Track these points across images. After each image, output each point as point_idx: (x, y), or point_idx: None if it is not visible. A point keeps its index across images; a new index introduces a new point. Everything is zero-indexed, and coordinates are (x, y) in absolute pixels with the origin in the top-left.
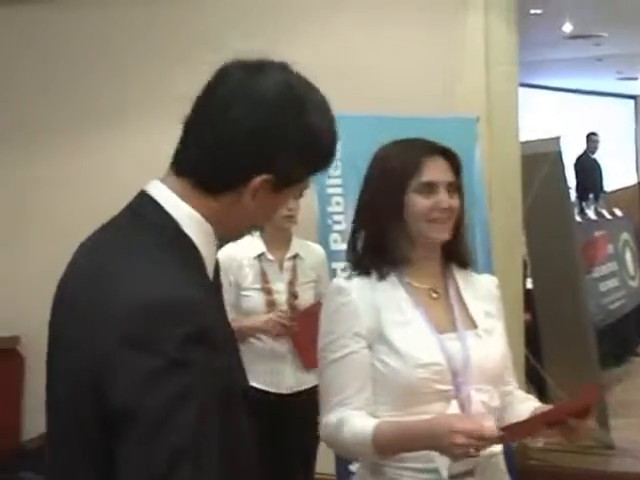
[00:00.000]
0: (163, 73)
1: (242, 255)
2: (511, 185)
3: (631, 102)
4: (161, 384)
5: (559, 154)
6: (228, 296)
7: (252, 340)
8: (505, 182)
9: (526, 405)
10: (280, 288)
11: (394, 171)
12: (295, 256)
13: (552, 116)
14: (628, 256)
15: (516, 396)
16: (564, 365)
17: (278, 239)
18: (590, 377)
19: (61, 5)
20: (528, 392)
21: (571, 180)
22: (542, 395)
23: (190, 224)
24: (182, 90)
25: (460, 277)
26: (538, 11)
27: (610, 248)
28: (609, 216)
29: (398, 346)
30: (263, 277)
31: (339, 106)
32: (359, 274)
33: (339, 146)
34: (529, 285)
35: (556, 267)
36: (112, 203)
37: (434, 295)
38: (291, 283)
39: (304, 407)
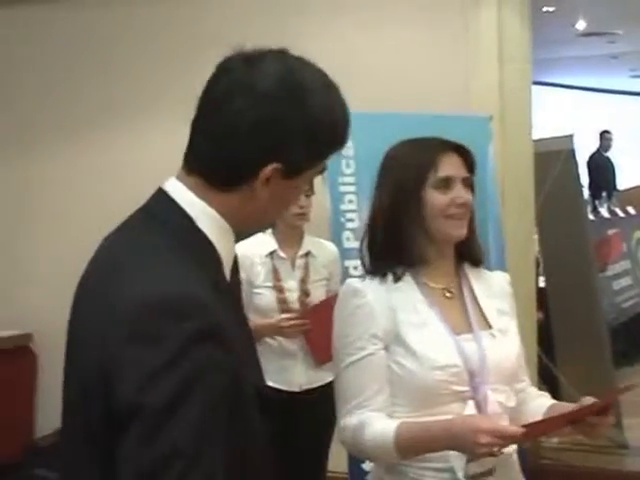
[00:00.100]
0: (173, 73)
1: (254, 253)
2: (524, 183)
3: None
4: (164, 380)
5: (572, 152)
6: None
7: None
8: (518, 180)
9: (539, 402)
10: (292, 286)
11: (411, 168)
12: (307, 254)
13: (565, 114)
14: None
15: (529, 393)
16: (577, 364)
17: (290, 237)
18: (603, 376)
19: (69, 5)
20: (540, 390)
21: (584, 178)
22: (555, 394)
23: (206, 221)
24: (192, 90)
25: (473, 276)
26: (551, 8)
27: (623, 246)
28: (622, 214)
29: (415, 348)
30: (275, 275)
31: (352, 105)
32: (373, 275)
33: (352, 144)
34: (541, 283)
35: (569, 265)
36: (121, 202)
37: (448, 295)
38: (303, 281)
39: (316, 405)
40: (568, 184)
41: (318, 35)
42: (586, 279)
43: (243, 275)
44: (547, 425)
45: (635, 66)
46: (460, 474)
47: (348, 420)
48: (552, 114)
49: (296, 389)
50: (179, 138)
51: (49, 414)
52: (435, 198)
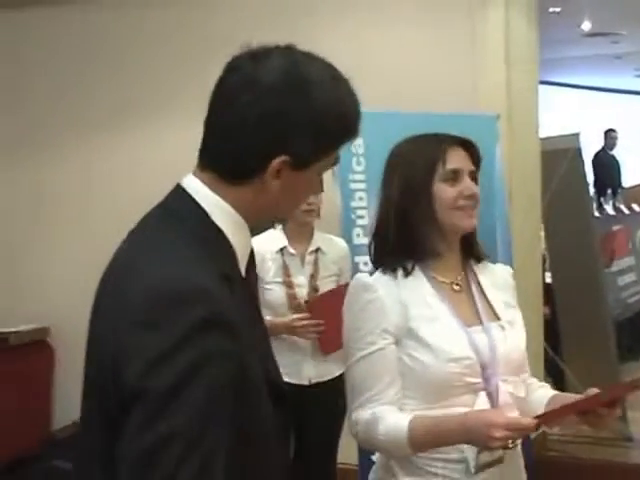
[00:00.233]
0: (185, 74)
1: (265, 249)
2: (531, 181)
3: None
4: (168, 366)
5: (578, 150)
6: None
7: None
8: (525, 178)
9: (541, 392)
10: (302, 282)
11: (419, 163)
12: (317, 250)
13: (571, 113)
14: None
15: (531, 384)
16: (583, 358)
17: (300, 233)
18: (608, 370)
19: (82, 8)
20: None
21: (589, 176)
22: (561, 387)
23: (221, 215)
24: (205, 90)
25: (478, 269)
26: (557, 9)
27: (629, 243)
28: (627, 211)
29: (429, 341)
30: (285, 271)
31: (362, 103)
32: (384, 270)
33: (362, 142)
34: (548, 279)
35: (575, 261)
36: (135, 202)
37: (456, 288)
38: (313, 277)
39: (325, 398)
40: (574, 182)
41: (328, 35)
42: (592, 275)
43: None
44: (557, 414)
45: (639, 66)
46: (472, 464)
47: (360, 414)
48: (558, 113)
49: (306, 382)
50: (192, 137)
51: (66, 406)
52: (444, 191)
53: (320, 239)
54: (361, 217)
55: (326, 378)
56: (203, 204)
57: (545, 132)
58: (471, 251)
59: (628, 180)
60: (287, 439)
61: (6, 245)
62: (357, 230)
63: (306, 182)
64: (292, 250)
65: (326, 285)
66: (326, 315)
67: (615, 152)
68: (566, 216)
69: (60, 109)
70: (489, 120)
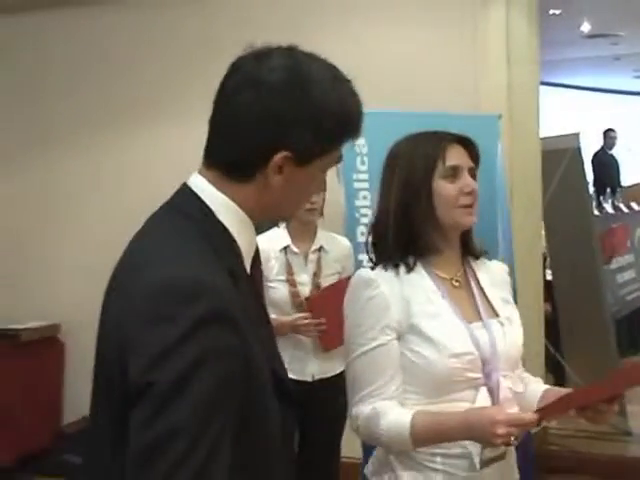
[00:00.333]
0: (193, 74)
1: (269, 248)
2: (531, 180)
3: None
4: (171, 360)
5: (578, 150)
6: None
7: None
8: (526, 177)
9: (534, 387)
10: (304, 280)
11: (419, 159)
12: (320, 249)
13: (571, 113)
14: None
15: (524, 378)
16: (583, 354)
17: (303, 232)
18: (608, 366)
19: (93, 10)
20: (547, 381)
21: (589, 175)
22: (561, 383)
23: (226, 213)
24: (212, 90)
25: (476, 266)
26: (557, 11)
27: (627, 242)
28: (626, 210)
29: (432, 337)
30: (288, 269)
31: (365, 103)
32: (384, 266)
33: (365, 142)
34: (549, 277)
35: (575, 259)
36: (143, 200)
37: (456, 284)
38: (315, 275)
39: (328, 394)
40: (574, 181)
41: (331, 36)
42: (591, 272)
43: None
44: (557, 408)
45: (638, 67)
46: (476, 459)
47: (361, 408)
48: (558, 113)
49: (309, 379)
50: (200, 136)
51: (76, 401)
52: (444, 187)
53: (323, 238)
54: (365, 216)
55: (329, 375)
56: (209, 202)
57: (546, 132)
58: (468, 248)
59: (627, 179)
60: (292, 434)
61: (18, 243)
62: (361, 228)
63: (309, 179)
64: (295, 249)
65: (329, 283)
66: (327, 311)
67: (614, 152)
68: (566, 214)
69: (71, 109)
70: (490, 120)
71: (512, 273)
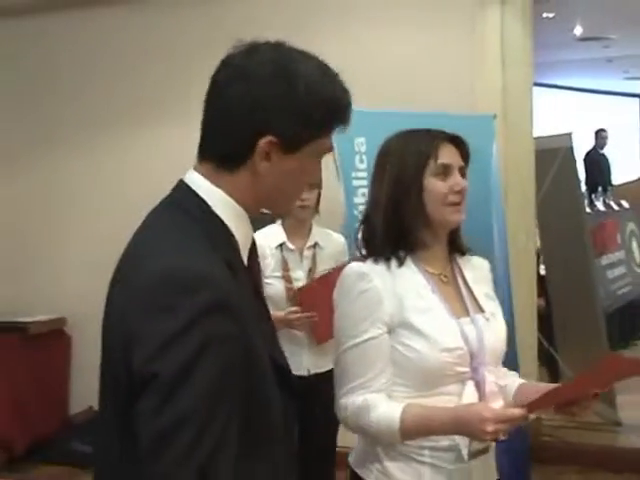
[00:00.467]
0: (195, 74)
1: (265, 244)
2: (525, 179)
3: (637, 101)
4: (175, 350)
5: (571, 149)
6: None
7: None
8: (520, 176)
9: (511, 380)
10: (300, 276)
11: (412, 156)
12: (315, 245)
13: (564, 113)
14: (634, 245)
15: (499, 370)
16: (575, 348)
17: (298, 229)
18: (599, 358)
19: (97, 13)
20: (540, 373)
21: (581, 174)
22: (554, 375)
23: (222, 207)
24: None
25: (462, 262)
26: (551, 15)
27: (618, 237)
28: (617, 207)
29: (424, 331)
30: (284, 265)
31: (364, 103)
32: (375, 260)
33: (364, 140)
34: (542, 272)
35: (568, 255)
36: (146, 197)
37: (444, 279)
38: (311, 271)
39: (325, 388)
40: (567, 179)
41: (332, 38)
42: (583, 268)
43: None
44: (544, 402)
45: (629, 69)
46: (464, 451)
47: (350, 399)
48: (551, 114)
49: (305, 373)
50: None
51: (83, 392)
52: (434, 185)
53: (318, 234)
54: None
55: (325, 369)
56: (205, 197)
57: (539, 132)
58: (455, 245)
59: (618, 178)
60: (294, 425)
61: (24, 240)
62: None
63: (299, 167)
64: (291, 245)
65: None
66: (318, 304)
67: (605, 151)
68: (559, 212)
69: (75, 110)
70: (486, 120)
71: (506, 269)
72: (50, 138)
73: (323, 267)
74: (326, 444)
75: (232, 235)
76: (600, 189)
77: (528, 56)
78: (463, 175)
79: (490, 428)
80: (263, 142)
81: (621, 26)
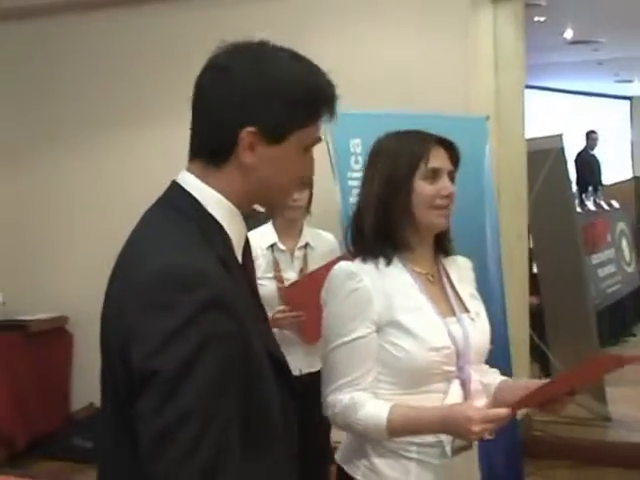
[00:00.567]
0: (195, 75)
1: (256, 245)
2: (518, 179)
3: (627, 103)
4: (174, 347)
5: (562, 150)
6: None
7: None
8: (512, 177)
9: (492, 377)
10: (291, 277)
11: (403, 158)
12: (306, 245)
13: (555, 115)
14: (624, 244)
15: (482, 368)
16: (566, 344)
17: (289, 229)
18: (590, 354)
19: (98, 15)
20: (532, 369)
21: (572, 174)
22: (545, 371)
23: (214, 205)
24: None
25: (447, 262)
26: (542, 19)
27: (608, 237)
28: (607, 207)
29: (413, 330)
30: (275, 266)
31: (359, 105)
32: (364, 259)
33: (359, 142)
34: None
35: (559, 254)
36: (147, 196)
37: (431, 279)
38: (302, 271)
39: (317, 388)
40: (558, 180)
41: (329, 41)
42: (575, 267)
43: None
44: (528, 401)
45: (619, 71)
46: (448, 448)
47: (338, 397)
48: (543, 115)
49: (297, 373)
50: None
51: (84, 389)
52: (423, 188)
53: (309, 234)
54: None
55: (316, 368)
56: (197, 195)
57: (531, 133)
58: (442, 247)
59: (608, 178)
60: (294, 418)
61: (26, 240)
62: None
63: (286, 158)
64: (282, 246)
65: None
66: (306, 302)
67: (596, 152)
68: (551, 212)
69: (76, 110)
70: (479, 122)
71: (499, 268)
72: (51, 138)
73: (314, 267)
74: (321, 443)
75: (226, 233)
76: (591, 189)
77: (520, 59)
78: (452, 179)
79: (476, 428)
80: (244, 133)
81: (611, 30)
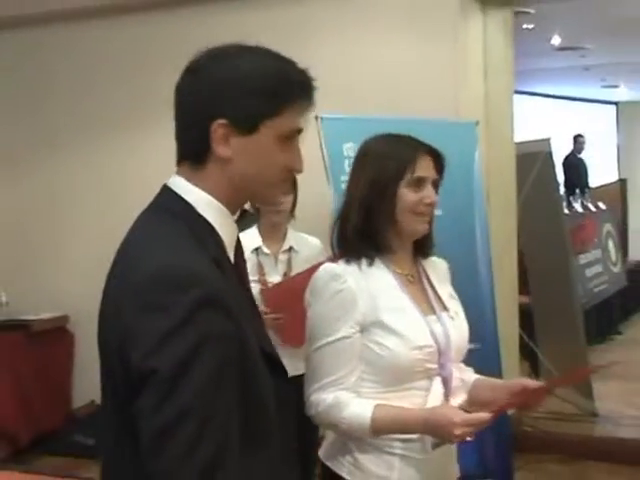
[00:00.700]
0: None
1: None
2: (507, 182)
3: (613, 107)
4: (171, 346)
5: (549, 154)
6: None
7: None
8: (502, 179)
9: (469, 375)
10: (275, 280)
11: (390, 165)
12: (290, 249)
13: (543, 120)
14: (610, 244)
15: (460, 366)
16: (554, 342)
17: (273, 233)
18: (577, 352)
19: (98, 23)
20: (522, 366)
21: (560, 177)
22: (534, 368)
23: (205, 206)
24: None
25: (425, 263)
26: (530, 26)
27: (595, 237)
28: (594, 209)
29: (397, 329)
30: (260, 270)
31: (353, 110)
32: (347, 260)
33: (353, 146)
34: None
35: (547, 254)
36: (146, 199)
37: (411, 279)
38: (286, 275)
39: (301, 392)
40: (546, 182)
41: (322, 49)
42: (562, 267)
43: None
44: (508, 406)
45: (605, 77)
46: (428, 443)
47: (322, 396)
48: (531, 120)
49: None
50: None
51: (85, 387)
52: (407, 196)
53: (293, 238)
54: None
55: (302, 371)
56: (187, 198)
57: (519, 137)
58: (422, 249)
59: (595, 181)
60: (290, 414)
61: (28, 241)
62: None
63: (263, 149)
64: (266, 250)
65: None
66: (287, 306)
67: (583, 155)
68: (539, 214)
69: (75, 115)
70: (469, 126)
71: (489, 269)
72: (51, 142)
73: (298, 271)
74: (308, 440)
75: (217, 234)
76: (578, 191)
77: (509, 65)
78: (436, 187)
79: (458, 432)
80: (215, 125)
81: (597, 36)
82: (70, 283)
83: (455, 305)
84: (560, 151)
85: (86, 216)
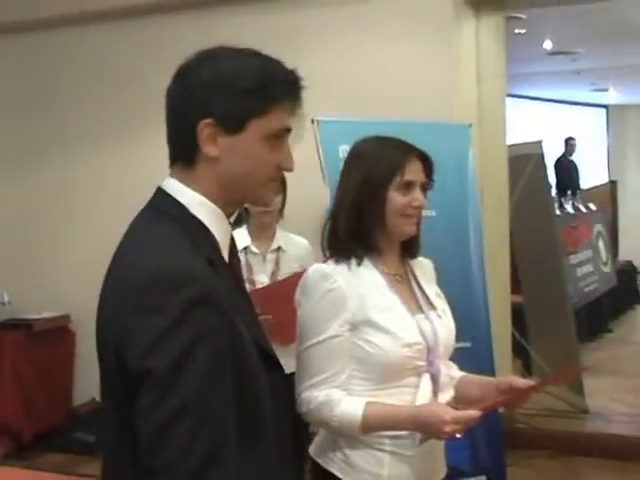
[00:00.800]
0: None
1: None
2: (499, 184)
3: (603, 111)
4: (167, 345)
5: (541, 156)
6: None
7: None
8: (494, 181)
9: (455, 372)
10: (263, 279)
11: (381, 168)
12: (278, 249)
13: (535, 123)
14: (601, 244)
15: (447, 363)
16: (546, 341)
17: (261, 233)
18: (568, 350)
19: (101, 28)
20: (514, 364)
21: (551, 179)
22: (527, 366)
23: (198, 207)
24: None
25: (412, 263)
26: (522, 31)
27: (586, 238)
28: (585, 210)
29: (386, 328)
30: (248, 269)
31: (348, 113)
32: (337, 260)
33: (348, 148)
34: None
35: (539, 254)
36: (146, 199)
37: (399, 279)
38: (274, 274)
39: (292, 390)
40: (538, 184)
41: (317, 52)
42: (554, 267)
43: None
44: (496, 404)
45: (595, 81)
46: (416, 439)
47: (313, 394)
48: (523, 123)
49: None
50: None
51: (86, 385)
52: (396, 198)
53: (281, 238)
54: None
55: (292, 370)
56: (180, 199)
57: (512, 140)
58: (409, 250)
59: (585, 182)
60: (286, 410)
61: (30, 241)
62: None
63: (250, 147)
64: (255, 249)
65: None
66: (275, 306)
67: (574, 157)
68: (531, 215)
69: (79, 118)
70: (462, 128)
71: (482, 268)
72: (55, 145)
73: (287, 270)
74: (301, 437)
75: (211, 234)
76: (569, 193)
77: (501, 69)
78: (424, 190)
79: (448, 429)
80: (201, 125)
81: (588, 41)
82: (72, 283)
83: (442, 304)
84: (552, 153)
85: (88, 216)
